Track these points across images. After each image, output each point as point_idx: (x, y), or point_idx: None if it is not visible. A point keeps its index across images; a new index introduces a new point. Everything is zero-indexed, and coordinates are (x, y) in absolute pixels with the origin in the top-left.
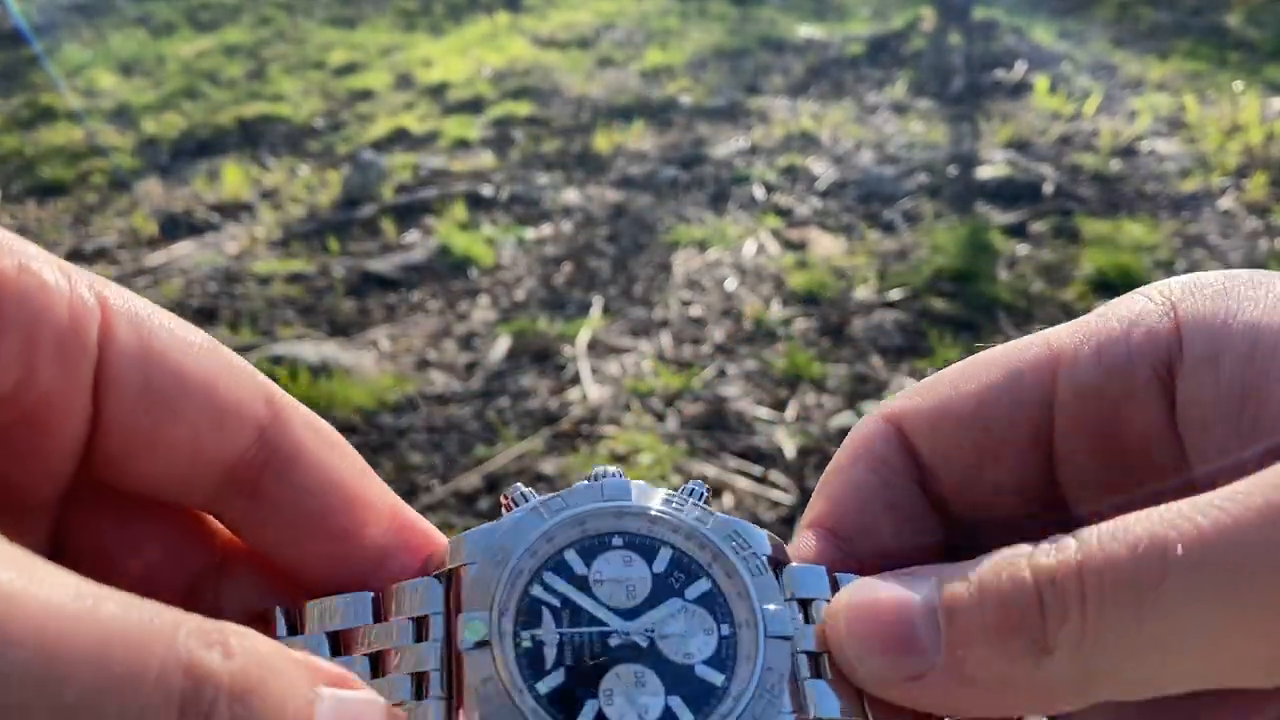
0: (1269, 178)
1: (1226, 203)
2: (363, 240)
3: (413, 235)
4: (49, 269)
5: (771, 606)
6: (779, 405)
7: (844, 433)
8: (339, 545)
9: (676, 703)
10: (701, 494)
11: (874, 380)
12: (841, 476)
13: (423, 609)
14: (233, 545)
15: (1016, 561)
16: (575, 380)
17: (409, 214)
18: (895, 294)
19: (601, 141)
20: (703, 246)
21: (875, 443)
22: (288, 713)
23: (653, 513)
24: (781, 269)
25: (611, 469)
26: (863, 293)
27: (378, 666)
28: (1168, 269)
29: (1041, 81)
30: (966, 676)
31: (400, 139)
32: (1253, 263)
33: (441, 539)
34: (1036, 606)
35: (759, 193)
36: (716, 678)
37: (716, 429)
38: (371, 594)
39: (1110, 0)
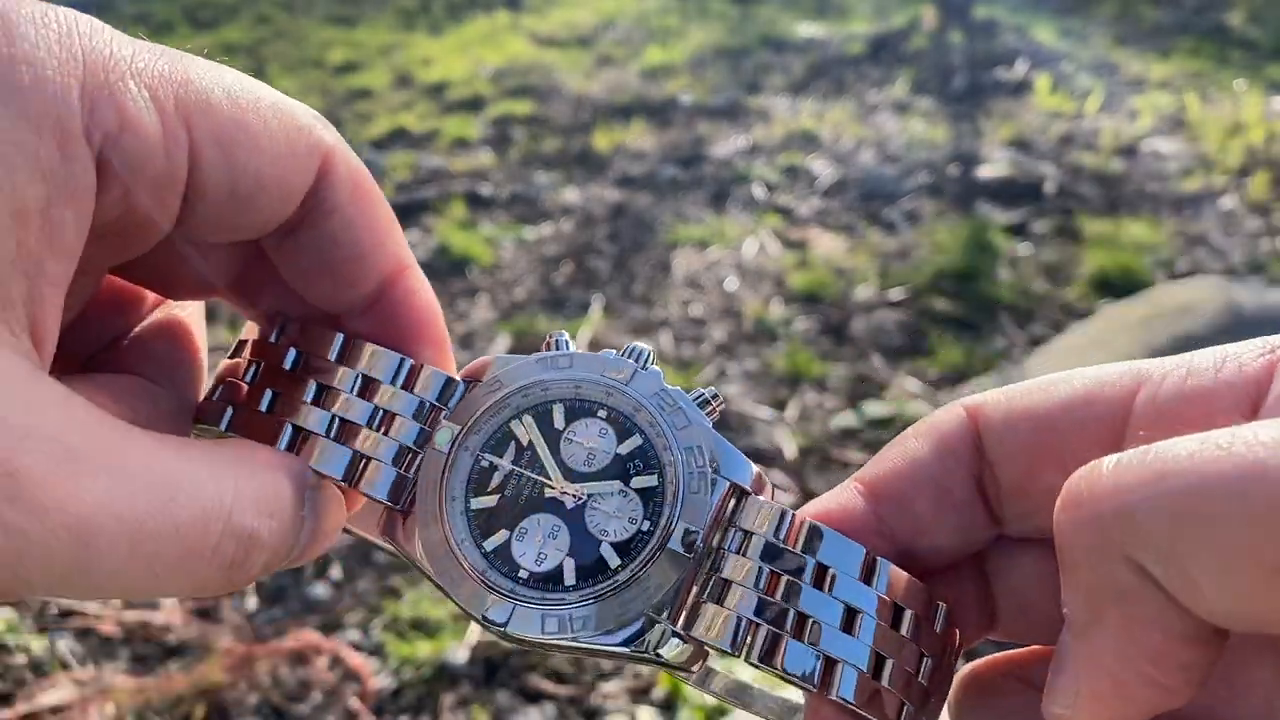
0: (1271, 177)
1: (1228, 202)
2: None
3: (412, 234)
4: (146, 114)
5: (688, 520)
6: (779, 405)
7: (844, 433)
8: (341, 290)
9: (570, 565)
10: (707, 402)
11: (874, 380)
12: (902, 447)
13: (440, 398)
14: (267, 263)
15: None
16: None
17: (408, 213)
18: (896, 293)
19: (601, 140)
20: (703, 246)
21: (945, 426)
22: (297, 536)
23: (638, 401)
24: (782, 268)
25: (645, 348)
26: (863, 292)
27: (385, 423)
28: (1169, 269)
29: (1043, 80)
30: None
31: (399, 138)
32: (1254, 262)
33: (430, 302)
34: None
35: (759, 192)
36: (614, 560)
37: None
38: (409, 363)
39: None
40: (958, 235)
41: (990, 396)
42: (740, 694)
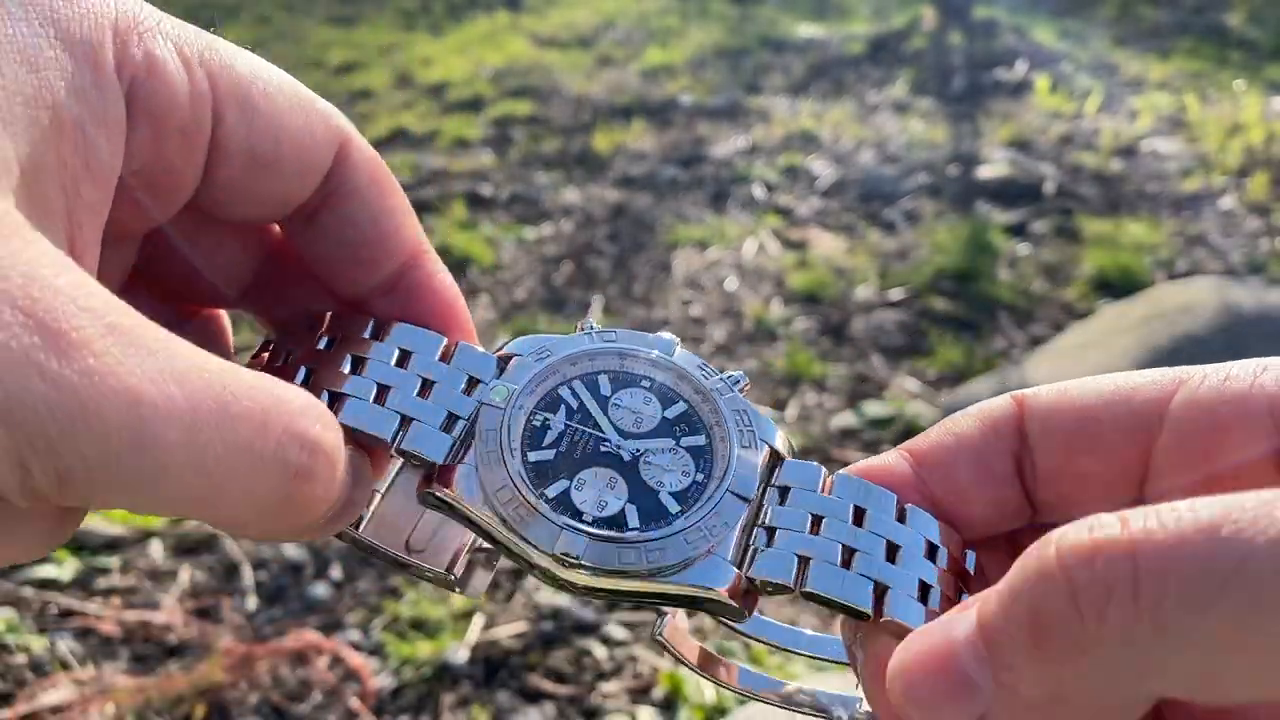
0: (1270, 177)
1: (1227, 202)
2: None
3: None
4: (172, 63)
5: (742, 471)
6: (779, 405)
7: (844, 433)
8: (365, 273)
9: (631, 510)
10: (738, 381)
11: (874, 380)
12: (949, 423)
13: (478, 371)
14: (287, 255)
15: (1044, 549)
16: None
17: None
18: (896, 293)
19: (601, 141)
20: (703, 246)
21: (993, 408)
22: (341, 482)
23: (683, 370)
24: (782, 268)
25: (668, 335)
26: (863, 292)
27: (424, 390)
28: (1168, 269)
29: (1042, 81)
30: (1023, 702)
31: (400, 138)
32: (1253, 263)
33: (450, 283)
34: (1068, 597)
35: (759, 192)
36: (673, 506)
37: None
38: (444, 339)
39: None
40: (957, 235)
41: (1040, 388)
42: (787, 697)
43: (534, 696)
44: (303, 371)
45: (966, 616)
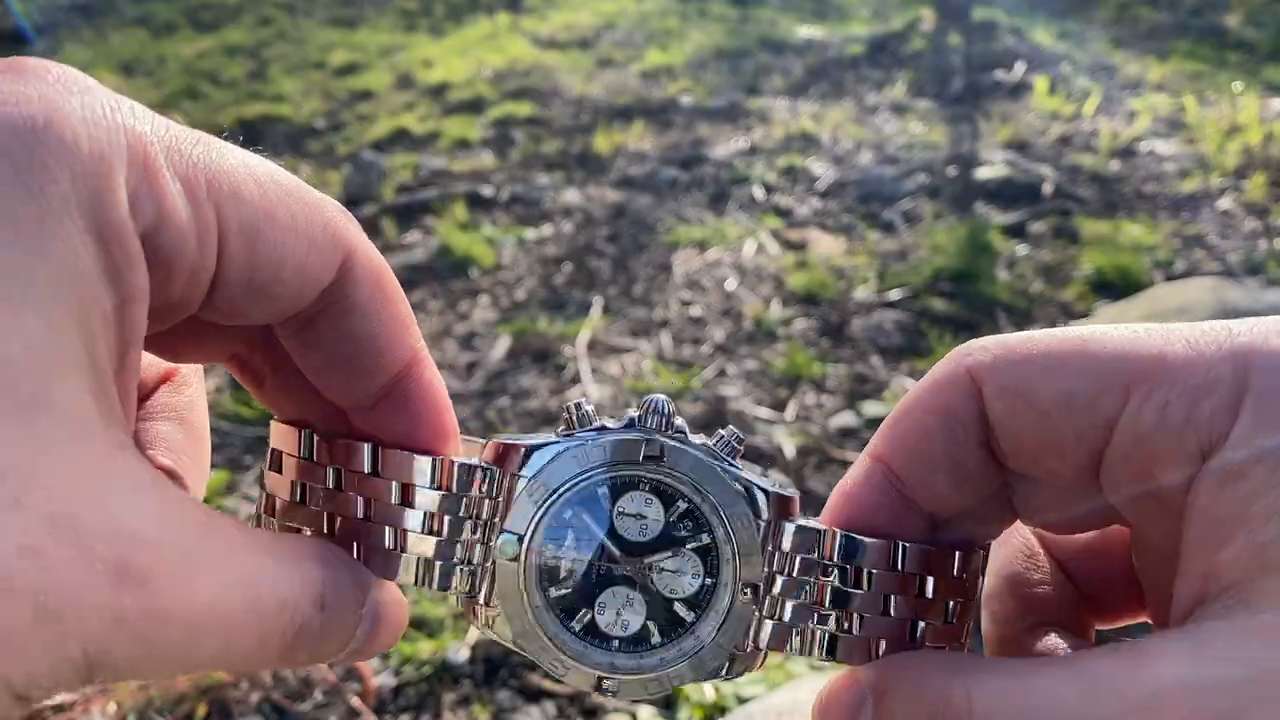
0: (1268, 178)
1: (1225, 203)
2: None
3: (413, 235)
4: (181, 207)
5: (746, 574)
6: (779, 405)
7: (844, 433)
8: (356, 383)
9: (652, 626)
10: (735, 447)
11: (874, 380)
12: (912, 419)
13: (478, 489)
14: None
15: None
16: (575, 380)
17: (409, 214)
18: (895, 294)
19: (601, 142)
20: (703, 246)
21: (951, 397)
22: (353, 632)
23: (679, 475)
24: (781, 269)
25: (661, 398)
26: (862, 293)
27: (433, 523)
28: (1166, 269)
29: (1041, 82)
30: None
31: (401, 139)
32: (1251, 264)
33: (442, 393)
34: None
35: (759, 193)
36: (688, 616)
37: (716, 429)
38: (439, 460)
39: (1110, 1)
40: (956, 236)
41: (994, 364)
42: None
43: (534, 695)
44: (325, 518)
45: (865, 713)
